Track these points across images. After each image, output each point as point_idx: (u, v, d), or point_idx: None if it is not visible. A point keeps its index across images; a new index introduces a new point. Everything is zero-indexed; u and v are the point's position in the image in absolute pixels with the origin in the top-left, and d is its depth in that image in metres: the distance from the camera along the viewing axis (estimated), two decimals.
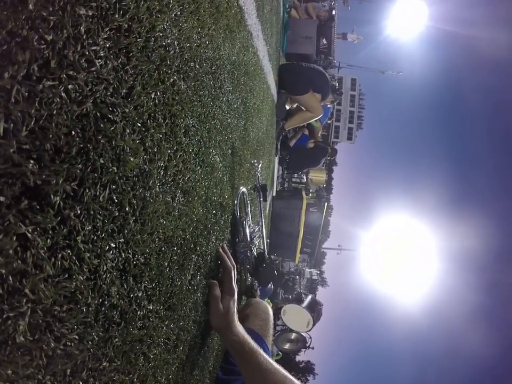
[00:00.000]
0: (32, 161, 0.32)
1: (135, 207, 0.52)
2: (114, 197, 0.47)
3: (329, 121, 6.93)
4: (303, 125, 4.92)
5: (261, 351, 0.93)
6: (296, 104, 4.24)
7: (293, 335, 3.98)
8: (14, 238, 0.31)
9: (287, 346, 4.08)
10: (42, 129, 0.33)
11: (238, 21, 1.32)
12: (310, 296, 4.02)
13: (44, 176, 0.34)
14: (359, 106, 43.75)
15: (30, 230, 0.33)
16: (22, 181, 0.32)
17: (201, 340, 0.99)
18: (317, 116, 4.22)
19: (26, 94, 0.32)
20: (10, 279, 0.31)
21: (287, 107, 4.10)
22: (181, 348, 0.81)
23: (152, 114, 0.56)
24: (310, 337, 3.98)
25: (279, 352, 4.60)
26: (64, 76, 0.36)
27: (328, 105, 4.88)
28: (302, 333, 3.88)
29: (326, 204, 6.43)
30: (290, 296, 4.86)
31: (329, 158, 5.78)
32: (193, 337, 0.91)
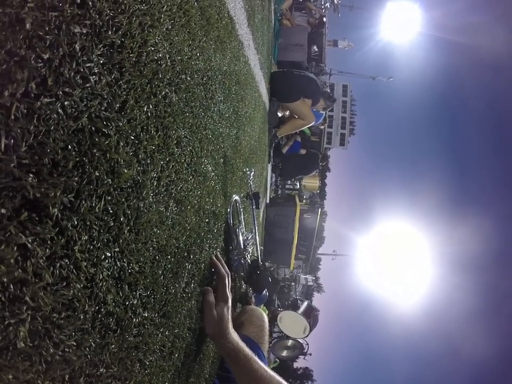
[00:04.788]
0: (31, 175, 0.34)
1: (130, 217, 0.54)
2: (109, 208, 0.48)
3: (321, 126, 7.01)
4: (295, 132, 4.96)
5: (256, 358, 0.93)
6: (289, 111, 4.28)
7: (290, 342, 3.97)
8: (15, 248, 0.33)
9: (284, 353, 4.06)
10: (40, 145, 0.35)
11: (228, 31, 1.35)
12: (306, 302, 4.02)
13: (42, 189, 0.35)
14: (351, 112, 44.12)
15: (30, 240, 0.34)
16: (22, 194, 0.33)
17: (197, 347, 1.00)
18: (309, 123, 4.26)
19: (25, 111, 0.33)
20: (12, 287, 0.32)
21: (279, 114, 4.13)
22: (177, 355, 0.82)
23: (145, 127, 0.58)
24: (307, 344, 3.97)
25: (276, 360, 4.57)
26: (61, 92, 0.38)
27: (321, 111, 4.92)
28: (298, 340, 3.88)
29: (319, 209, 6.46)
30: (286, 303, 4.86)
31: (320, 163, 5.82)
32: (188, 344, 0.91)
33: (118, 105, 0.49)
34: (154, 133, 0.62)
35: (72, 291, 0.41)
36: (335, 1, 13.41)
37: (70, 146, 0.39)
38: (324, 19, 8.02)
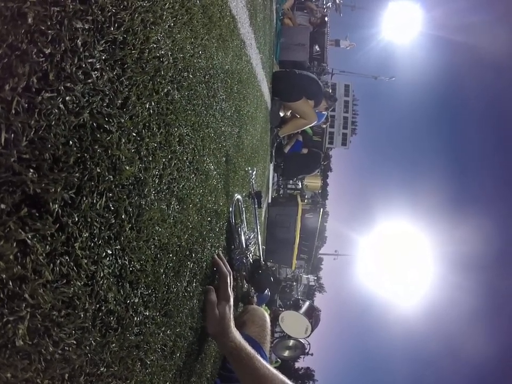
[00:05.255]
0: (31, 170, 0.34)
1: (131, 214, 0.53)
2: (111, 205, 0.48)
3: (324, 125, 7.03)
4: (297, 131, 4.96)
5: (259, 357, 0.93)
6: (290, 111, 4.27)
7: (292, 342, 3.96)
8: (14, 244, 0.32)
9: (286, 353, 4.05)
10: (41, 140, 0.35)
11: (231, 30, 1.34)
12: (307, 302, 4.02)
13: (43, 185, 0.35)
14: (352, 112, 44.10)
15: (30, 236, 0.34)
16: (22, 189, 0.33)
17: (199, 347, 1.00)
18: (310, 122, 4.26)
19: (26, 105, 0.33)
20: (11, 284, 0.32)
21: (281, 114, 4.13)
22: (178, 355, 0.82)
23: (147, 124, 0.57)
24: (309, 344, 3.96)
25: (278, 359, 4.57)
26: (62, 87, 0.37)
27: (323, 112, 4.93)
28: (300, 340, 3.87)
29: (321, 209, 6.45)
30: (288, 303, 4.85)
31: (322, 163, 5.82)
32: (190, 344, 0.91)
33: (119, 101, 0.49)
34: (156, 130, 0.61)
35: (72, 289, 0.40)
36: (337, 1, 13.40)
37: (71, 142, 0.39)
38: (326, 18, 8.00)
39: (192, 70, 0.82)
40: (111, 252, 0.48)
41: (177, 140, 0.72)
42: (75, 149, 0.40)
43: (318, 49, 7.82)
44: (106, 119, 0.46)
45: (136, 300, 0.57)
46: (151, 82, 0.59)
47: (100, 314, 0.47)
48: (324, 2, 11.98)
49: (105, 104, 0.45)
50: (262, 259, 1.75)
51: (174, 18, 0.70)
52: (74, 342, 0.41)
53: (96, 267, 0.45)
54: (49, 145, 0.36)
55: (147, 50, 0.57)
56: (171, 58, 0.68)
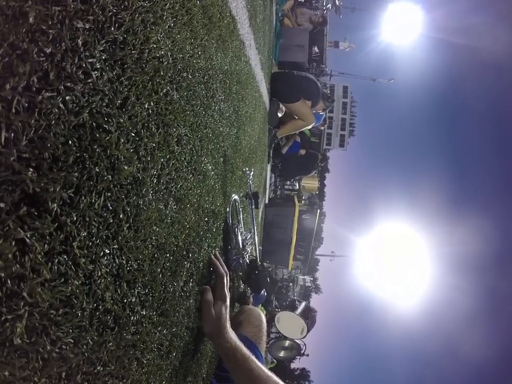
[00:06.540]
0: (31, 169, 0.34)
1: (129, 214, 0.54)
2: (109, 204, 0.48)
3: (321, 127, 7.05)
4: (295, 132, 4.97)
5: (253, 358, 0.93)
6: (289, 111, 4.28)
7: (287, 343, 3.96)
8: (13, 243, 0.32)
9: (281, 354, 4.05)
10: (41, 139, 0.35)
11: (230, 30, 1.35)
12: (303, 303, 4.02)
13: (42, 184, 0.35)
14: (351, 114, 44.17)
15: (29, 235, 0.34)
16: (21, 188, 0.33)
17: (195, 347, 1.00)
18: (309, 124, 4.26)
19: (26, 104, 0.33)
20: (9, 282, 0.32)
21: (279, 115, 4.13)
22: (174, 354, 0.82)
23: (146, 124, 0.58)
24: (305, 344, 3.96)
25: (274, 360, 4.57)
26: (62, 87, 0.37)
27: (320, 113, 4.94)
28: (296, 340, 3.87)
29: (318, 210, 6.47)
30: (284, 303, 4.86)
31: (320, 164, 5.83)
32: (186, 343, 0.91)
33: (119, 101, 0.49)
34: (155, 131, 0.62)
35: (70, 288, 0.40)
36: (337, 3, 13.43)
37: (70, 142, 0.39)
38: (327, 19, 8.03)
39: (191, 71, 0.82)
40: (108, 251, 0.48)
41: (176, 140, 0.73)
42: (74, 148, 0.40)
43: (317, 50, 7.83)
44: (106, 119, 0.46)
45: (133, 299, 0.57)
46: (150, 82, 0.59)
47: (97, 313, 0.47)
48: (324, 4, 12.02)
49: (104, 104, 0.46)
50: (258, 260, 1.75)
51: (174, 19, 0.70)
52: (72, 341, 0.41)
53: (94, 266, 0.45)
54: (49, 145, 0.36)
55: (147, 50, 0.58)
56: (170, 58, 0.68)
